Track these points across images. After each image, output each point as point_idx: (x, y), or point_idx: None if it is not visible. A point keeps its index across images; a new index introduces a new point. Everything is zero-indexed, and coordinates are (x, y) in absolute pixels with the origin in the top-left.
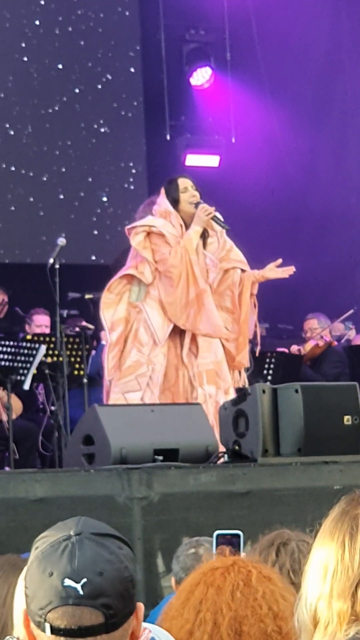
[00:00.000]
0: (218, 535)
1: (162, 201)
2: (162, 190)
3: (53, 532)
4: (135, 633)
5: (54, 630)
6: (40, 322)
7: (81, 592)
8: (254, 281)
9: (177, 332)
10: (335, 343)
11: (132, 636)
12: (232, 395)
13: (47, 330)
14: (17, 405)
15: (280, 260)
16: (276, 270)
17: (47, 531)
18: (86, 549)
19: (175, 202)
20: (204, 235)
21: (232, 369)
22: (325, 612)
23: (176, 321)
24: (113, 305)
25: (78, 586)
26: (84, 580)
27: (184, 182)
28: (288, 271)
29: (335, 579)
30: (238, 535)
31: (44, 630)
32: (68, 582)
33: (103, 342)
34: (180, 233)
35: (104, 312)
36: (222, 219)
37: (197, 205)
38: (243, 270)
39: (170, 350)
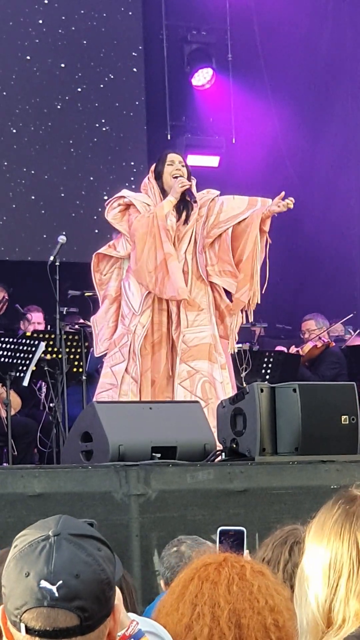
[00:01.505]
0: (222, 532)
1: (145, 178)
2: (152, 167)
3: (32, 531)
4: (112, 634)
5: (29, 631)
6: (35, 320)
7: (56, 595)
8: (263, 217)
9: (163, 310)
10: (334, 344)
11: (109, 636)
12: (227, 371)
13: (41, 328)
14: (15, 401)
15: (283, 193)
16: (278, 203)
17: (27, 529)
18: (64, 550)
19: (159, 174)
20: (186, 210)
21: (230, 312)
22: (342, 613)
23: (146, 286)
24: (105, 284)
25: (53, 588)
26: (60, 582)
27: (172, 157)
28: (288, 204)
29: (352, 580)
30: (242, 532)
31: (19, 630)
32: (44, 583)
33: None
34: (155, 203)
35: (99, 292)
36: (195, 196)
37: (177, 178)
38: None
39: (155, 325)
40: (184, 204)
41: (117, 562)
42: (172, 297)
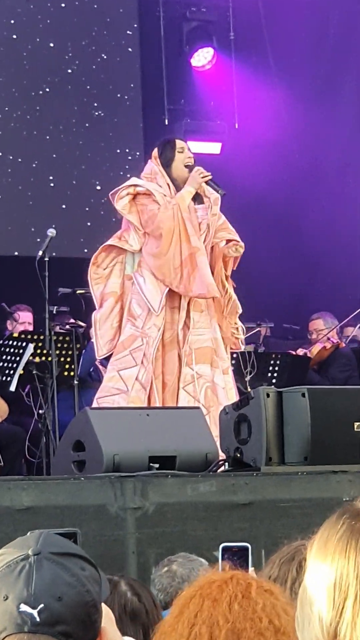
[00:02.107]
0: (224, 548)
1: (149, 165)
2: (154, 152)
3: (11, 550)
4: None
5: None
6: (24, 319)
7: (38, 619)
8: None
9: (175, 308)
10: (344, 345)
11: None
12: (230, 376)
13: (30, 328)
14: (2, 408)
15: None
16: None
17: (5, 548)
18: (45, 570)
19: (169, 161)
20: (198, 202)
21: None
22: (349, 636)
23: (169, 283)
24: (102, 280)
25: (34, 612)
26: (41, 605)
27: (181, 143)
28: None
29: (358, 602)
30: (246, 548)
31: None
32: (24, 607)
33: (92, 339)
34: (169, 193)
35: (94, 288)
36: (217, 186)
37: (191, 168)
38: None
39: (167, 324)
40: (195, 194)
41: (103, 581)
42: (200, 294)
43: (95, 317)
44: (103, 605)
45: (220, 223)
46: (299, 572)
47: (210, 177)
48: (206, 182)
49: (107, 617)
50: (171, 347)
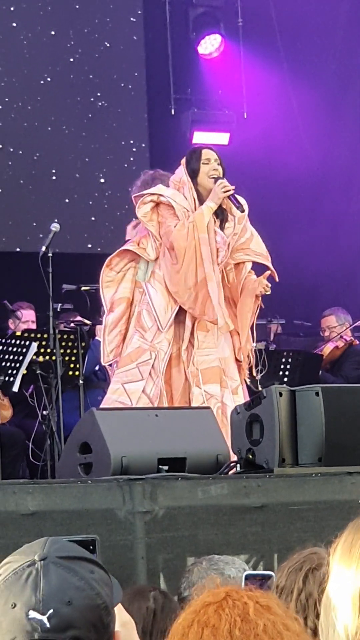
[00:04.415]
0: (247, 576)
1: (179, 171)
2: (183, 160)
3: (17, 557)
4: None
5: None
6: (26, 318)
7: (47, 625)
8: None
9: (181, 322)
10: (357, 342)
11: None
12: (241, 395)
13: (33, 327)
14: (6, 410)
15: (269, 273)
16: (259, 282)
17: (11, 555)
18: (52, 575)
19: (194, 173)
20: (222, 218)
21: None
22: None
23: (182, 302)
24: (114, 284)
25: (44, 618)
26: (51, 611)
27: (207, 154)
28: (264, 287)
29: None
30: (270, 577)
31: None
32: (33, 614)
33: (98, 337)
34: (193, 207)
35: (104, 291)
36: (240, 201)
37: (216, 180)
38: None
39: (174, 339)
40: (219, 210)
41: (114, 584)
42: (214, 320)
43: (107, 321)
44: (123, 611)
45: (242, 242)
46: (306, 582)
47: (232, 192)
48: (228, 197)
49: (129, 624)
50: (177, 362)
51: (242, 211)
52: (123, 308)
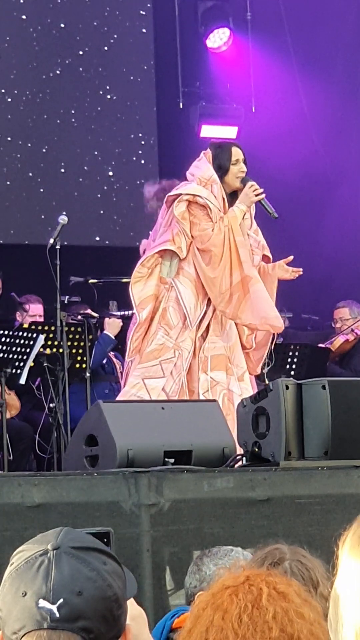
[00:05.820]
0: None
1: (206, 167)
2: (207, 155)
3: (30, 546)
4: None
5: None
6: (34, 312)
7: (57, 615)
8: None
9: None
10: None
11: None
12: (248, 381)
13: (41, 320)
14: (15, 404)
15: (291, 257)
16: (285, 269)
17: (25, 544)
18: (64, 565)
19: (223, 171)
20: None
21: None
22: None
23: (217, 305)
24: (143, 280)
25: (54, 608)
26: (61, 600)
27: (237, 154)
28: (296, 272)
29: None
30: None
31: None
32: (43, 603)
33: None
34: (222, 207)
35: (133, 286)
36: (270, 205)
37: (243, 181)
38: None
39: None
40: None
41: (129, 577)
42: (250, 324)
43: (140, 319)
44: (134, 604)
45: (259, 239)
46: None
47: (263, 196)
48: (260, 201)
49: (134, 615)
50: (194, 354)
51: (276, 217)
52: (151, 308)
